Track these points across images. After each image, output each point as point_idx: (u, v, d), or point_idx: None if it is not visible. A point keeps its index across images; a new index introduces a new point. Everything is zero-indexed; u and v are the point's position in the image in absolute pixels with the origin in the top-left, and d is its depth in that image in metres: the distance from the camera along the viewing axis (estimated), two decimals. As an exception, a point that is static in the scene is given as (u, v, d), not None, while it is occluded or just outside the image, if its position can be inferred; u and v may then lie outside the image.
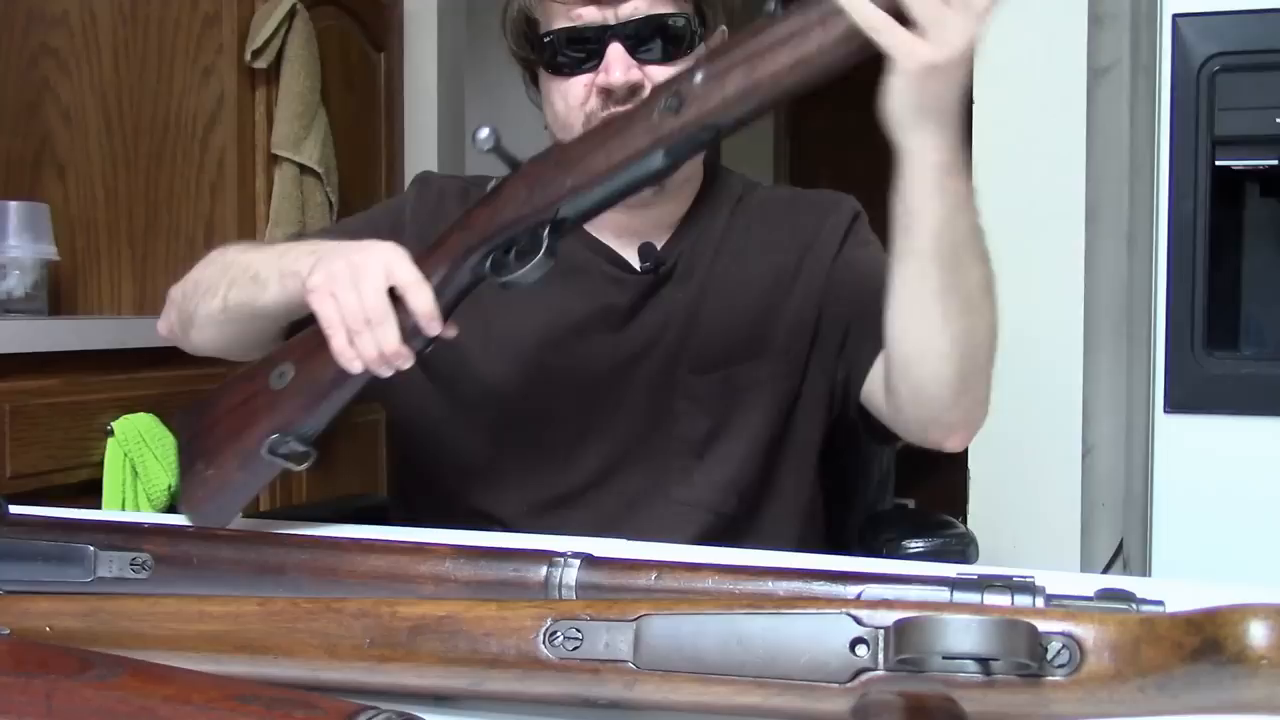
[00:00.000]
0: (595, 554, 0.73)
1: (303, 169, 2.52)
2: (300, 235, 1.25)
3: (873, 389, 1.18)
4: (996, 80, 2.03)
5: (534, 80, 1.26)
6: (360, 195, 2.81)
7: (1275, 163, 1.56)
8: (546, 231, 1.00)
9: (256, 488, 1.08)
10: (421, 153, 3.04)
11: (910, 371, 1.09)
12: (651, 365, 1.20)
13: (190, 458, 1.08)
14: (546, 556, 0.73)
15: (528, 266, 1.00)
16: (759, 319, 1.22)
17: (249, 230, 2.49)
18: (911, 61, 0.92)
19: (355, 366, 1.00)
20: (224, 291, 1.14)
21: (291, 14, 2.47)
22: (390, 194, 2.97)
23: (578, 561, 0.72)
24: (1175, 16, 1.65)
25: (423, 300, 1.00)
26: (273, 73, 2.48)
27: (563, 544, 0.76)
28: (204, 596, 0.63)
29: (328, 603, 0.60)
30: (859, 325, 1.17)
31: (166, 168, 2.48)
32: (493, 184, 1.03)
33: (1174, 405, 1.63)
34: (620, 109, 1.04)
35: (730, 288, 1.21)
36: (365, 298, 1.00)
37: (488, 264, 1.02)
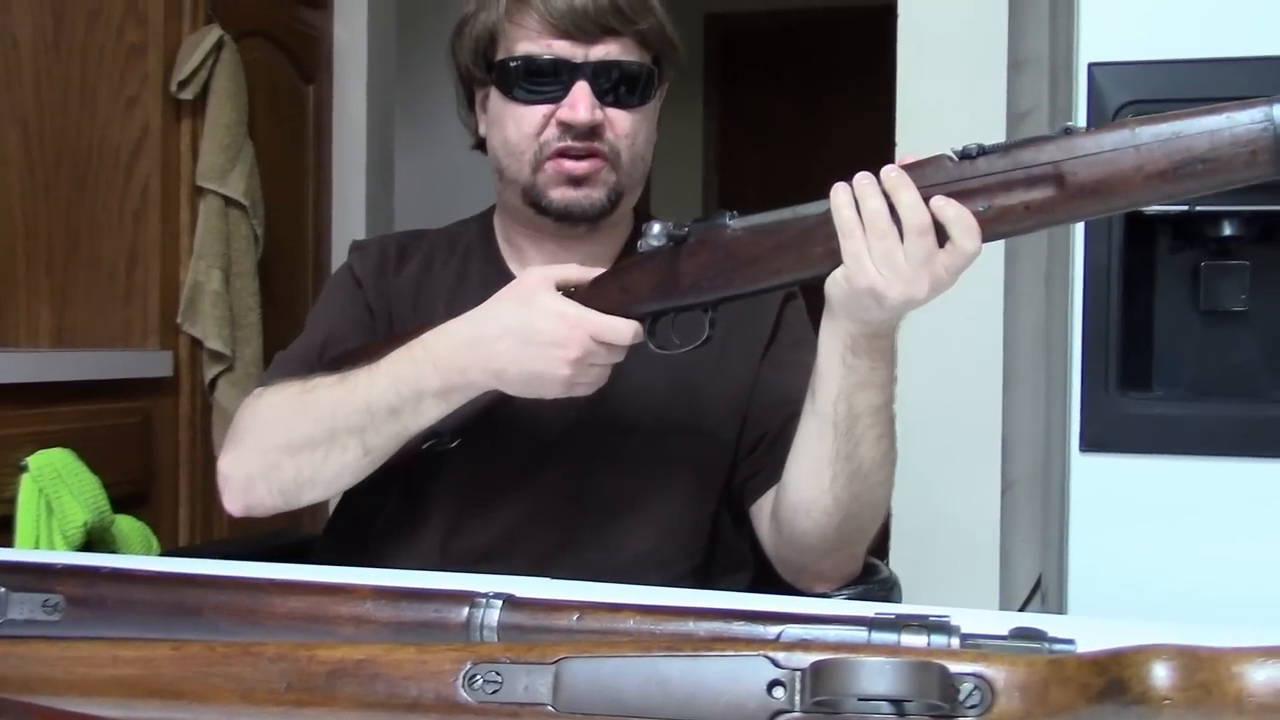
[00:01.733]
0: (517, 594, 0.73)
1: (228, 201, 2.49)
2: (327, 344, 1.25)
3: (761, 512, 1.20)
4: (919, 124, 2.07)
5: (470, 103, 1.27)
6: (287, 227, 2.79)
7: (1185, 208, 1.61)
8: (710, 318, 1.05)
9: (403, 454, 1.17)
10: (350, 186, 3.02)
11: (795, 519, 1.12)
12: (574, 417, 1.19)
13: None
14: (468, 597, 0.72)
15: (690, 347, 1.06)
16: (685, 388, 1.22)
17: (172, 262, 2.46)
18: (857, 276, 0.95)
19: None
20: (359, 440, 1.12)
21: (219, 45, 2.45)
22: (317, 225, 2.95)
23: (499, 602, 0.72)
24: (1091, 65, 1.69)
25: (620, 336, 1.06)
26: (199, 104, 2.46)
27: (485, 584, 0.76)
28: (117, 640, 0.62)
29: (245, 646, 0.59)
30: (772, 442, 1.18)
31: (89, 198, 2.44)
32: (644, 245, 1.04)
33: (1089, 444, 1.66)
34: (771, 218, 1.01)
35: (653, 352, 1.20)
36: (601, 374, 1.07)
37: (644, 329, 1.06)
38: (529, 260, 1.25)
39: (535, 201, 1.20)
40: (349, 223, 2.99)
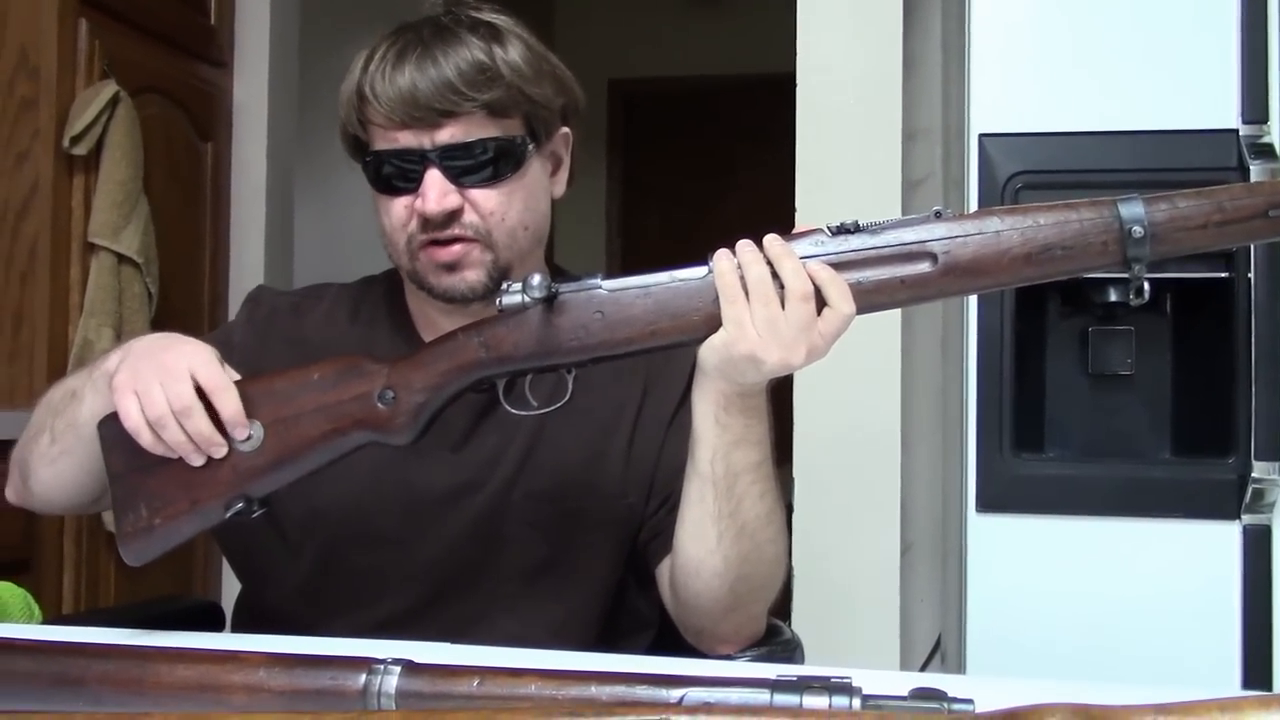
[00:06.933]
0: (416, 660, 0.72)
1: (121, 258, 2.44)
2: None
3: (663, 575, 1.19)
4: (819, 189, 2.11)
5: None
6: (182, 286, 2.74)
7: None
8: (572, 378, 1.02)
9: (197, 533, 1.06)
10: (248, 244, 2.98)
11: (688, 581, 1.12)
12: (488, 488, 1.17)
13: (129, 495, 1.04)
14: (365, 664, 0.71)
15: (551, 408, 1.03)
16: (600, 453, 1.20)
17: (61, 320, 2.39)
18: (739, 341, 0.97)
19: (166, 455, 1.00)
20: (50, 423, 1.09)
21: (114, 101, 2.41)
22: (214, 285, 2.90)
23: (398, 668, 0.70)
24: (981, 136, 1.75)
25: (227, 403, 1.00)
26: (92, 159, 2.41)
27: (383, 649, 0.75)
28: (-6, 713, 0.59)
29: (130, 718, 0.57)
30: (674, 505, 1.15)
31: (-28, 256, 2.37)
32: (509, 301, 1.00)
33: (984, 504, 1.69)
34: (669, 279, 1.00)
35: (573, 412, 1.13)
36: (170, 392, 0.99)
37: (500, 388, 1.03)
38: (442, 328, 1.19)
39: (421, 285, 1.18)
40: (246, 281, 2.93)
